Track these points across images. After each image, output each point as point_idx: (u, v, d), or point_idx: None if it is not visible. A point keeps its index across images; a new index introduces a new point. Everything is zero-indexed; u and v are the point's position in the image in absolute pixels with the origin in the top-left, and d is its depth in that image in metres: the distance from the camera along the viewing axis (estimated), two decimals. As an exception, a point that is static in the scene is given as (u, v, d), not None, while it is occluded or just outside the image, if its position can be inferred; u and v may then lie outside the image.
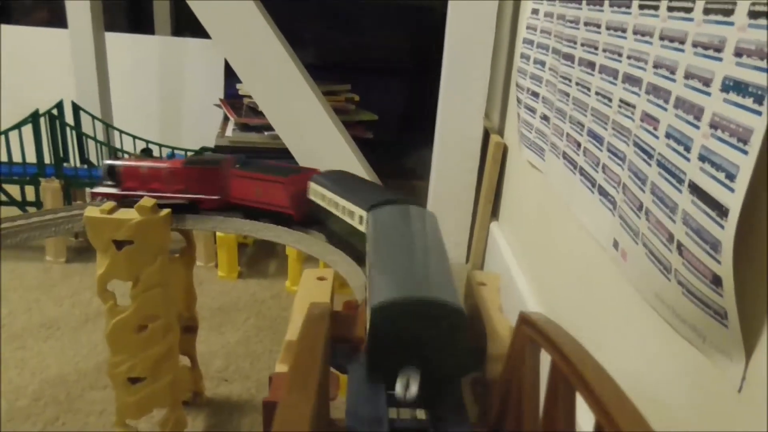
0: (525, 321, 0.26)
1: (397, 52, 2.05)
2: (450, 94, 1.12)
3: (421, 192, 1.26)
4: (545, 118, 0.82)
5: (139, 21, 1.98)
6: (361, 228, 0.46)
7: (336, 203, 0.52)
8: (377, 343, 0.30)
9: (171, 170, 0.64)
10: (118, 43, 1.57)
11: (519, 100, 0.96)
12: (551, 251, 0.81)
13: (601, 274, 0.60)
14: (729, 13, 0.37)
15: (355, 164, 1.21)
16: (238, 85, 1.49)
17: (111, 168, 0.65)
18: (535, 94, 0.88)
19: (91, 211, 0.55)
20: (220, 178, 0.64)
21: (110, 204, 0.57)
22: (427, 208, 1.24)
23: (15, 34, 1.64)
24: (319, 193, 0.57)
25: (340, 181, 0.57)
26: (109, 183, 0.64)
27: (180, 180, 0.64)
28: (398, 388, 0.29)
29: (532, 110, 0.89)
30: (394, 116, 1.93)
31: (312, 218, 0.60)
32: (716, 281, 0.35)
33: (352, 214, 0.49)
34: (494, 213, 1.16)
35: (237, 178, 0.63)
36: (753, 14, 0.34)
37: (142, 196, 0.59)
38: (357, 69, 1.81)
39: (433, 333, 0.31)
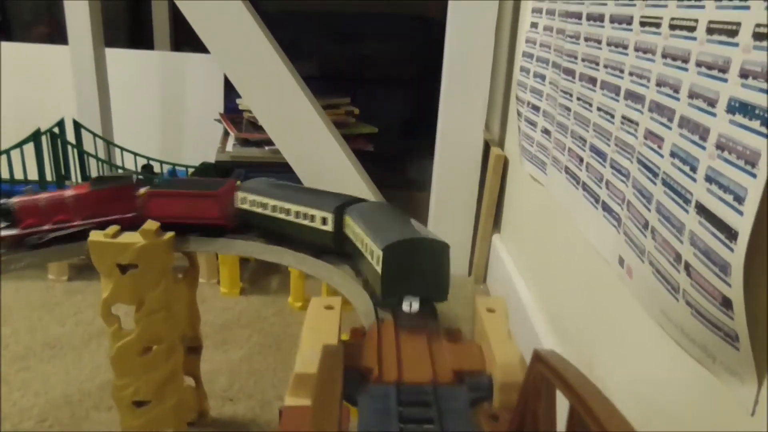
0: (539, 359, 0.26)
1: (398, 63, 2.05)
2: (450, 106, 1.12)
3: (422, 202, 1.26)
4: (546, 131, 0.82)
5: (139, 36, 1.98)
6: (326, 228, 0.55)
7: (297, 212, 0.57)
8: (388, 273, 0.42)
9: (77, 197, 0.61)
10: (118, 58, 1.58)
11: (519, 113, 0.96)
12: (555, 265, 0.80)
13: (607, 290, 0.60)
14: (733, 33, 0.37)
15: (354, 177, 1.21)
16: (237, 100, 1.50)
17: (4, 208, 0.60)
18: (536, 108, 0.88)
19: (95, 236, 0.55)
20: (132, 195, 0.62)
21: (114, 228, 0.56)
22: (428, 220, 1.23)
23: (15, 51, 1.64)
24: (250, 200, 0.62)
25: (277, 187, 0.63)
26: (4, 225, 0.60)
27: (89, 205, 0.61)
28: (404, 307, 0.42)
29: (533, 124, 0.89)
30: (395, 127, 1.94)
31: (241, 225, 0.63)
32: (726, 304, 0.35)
33: (314, 218, 0.56)
34: (496, 225, 1.16)
35: (159, 197, 0.61)
36: (758, 36, 0.34)
37: (46, 232, 0.59)
38: (358, 80, 1.82)
39: (426, 262, 0.43)
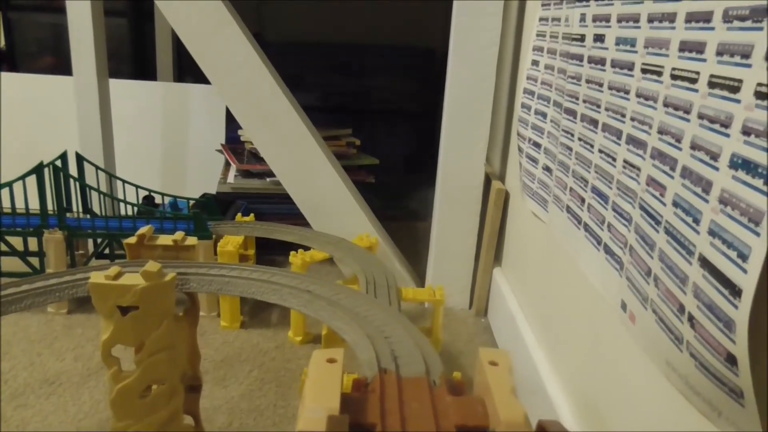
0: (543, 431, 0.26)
1: (401, 95, 2.07)
2: (451, 139, 1.12)
3: (423, 233, 1.26)
4: (547, 169, 0.83)
5: (142, 67, 2.00)
6: None
7: None
8: None
9: None
10: (121, 89, 1.59)
11: (520, 149, 0.97)
12: (557, 302, 0.80)
13: (610, 332, 0.60)
14: (735, 90, 0.37)
15: (355, 209, 1.21)
16: (239, 131, 1.51)
17: None
18: (537, 145, 0.88)
19: (96, 277, 0.55)
20: None
21: (116, 269, 0.56)
22: (429, 252, 1.22)
23: (19, 81, 1.66)
24: None
25: None
26: None
27: None
28: None
29: (534, 160, 0.89)
30: (398, 159, 1.95)
31: None
32: (731, 360, 0.35)
33: None
34: (497, 258, 1.16)
35: None
36: (760, 95, 0.34)
37: None
38: (360, 112, 1.83)
39: None
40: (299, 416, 0.33)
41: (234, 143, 1.56)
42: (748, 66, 0.36)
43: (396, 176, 1.93)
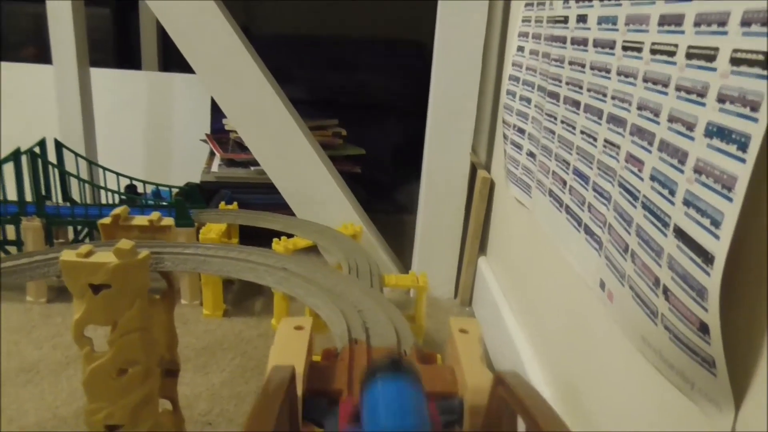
0: (500, 382, 0.25)
1: (389, 89, 2.05)
2: (437, 129, 1.12)
3: (410, 226, 1.25)
4: (531, 155, 0.82)
5: (126, 57, 1.98)
6: None
7: None
8: None
9: None
10: (105, 78, 1.57)
11: (505, 136, 0.96)
12: (539, 288, 0.80)
13: (589, 314, 0.60)
14: (711, 59, 0.37)
15: (341, 199, 1.21)
16: (224, 120, 1.49)
17: None
18: (521, 131, 0.88)
19: (68, 255, 0.54)
20: None
21: (87, 247, 0.55)
22: (414, 243, 1.22)
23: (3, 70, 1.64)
24: None
25: None
26: None
27: None
28: None
29: (519, 147, 0.89)
30: (386, 153, 1.93)
31: None
32: (703, 329, 0.35)
33: None
34: (482, 248, 1.16)
35: None
36: (735, 61, 0.34)
37: None
38: (348, 106, 1.81)
39: None
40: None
41: (219, 133, 1.54)
42: (725, 33, 0.36)
43: (384, 170, 1.92)
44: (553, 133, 0.71)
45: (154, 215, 0.66)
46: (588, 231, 0.59)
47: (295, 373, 0.28)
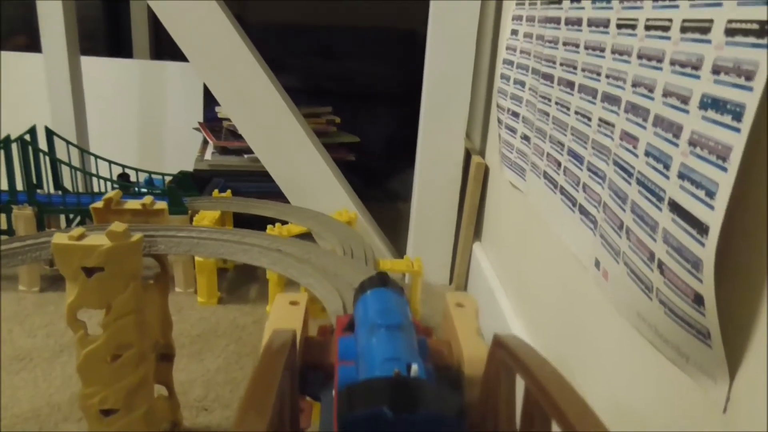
0: (499, 344, 0.25)
1: (383, 77, 2.04)
2: (431, 115, 1.11)
3: (405, 214, 1.25)
4: (526, 138, 0.82)
5: (118, 45, 1.97)
6: None
7: None
8: None
9: None
10: (97, 66, 1.56)
11: (500, 121, 0.96)
12: (533, 271, 0.80)
13: (583, 294, 0.60)
14: (706, 31, 0.36)
15: (335, 186, 1.20)
16: (217, 108, 1.49)
17: None
18: (516, 114, 0.87)
19: (59, 238, 0.53)
20: None
21: (79, 230, 0.55)
22: (409, 230, 1.22)
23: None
24: None
25: None
26: None
27: None
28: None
29: (513, 130, 0.88)
30: (380, 141, 1.93)
31: None
32: (698, 300, 0.35)
33: None
34: (477, 233, 1.16)
35: None
36: (730, 32, 0.34)
37: None
38: (342, 94, 1.81)
39: None
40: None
41: (212, 122, 1.54)
42: (719, 5, 0.36)
43: (378, 158, 1.92)
44: (548, 114, 0.71)
45: (147, 199, 0.66)
46: (583, 211, 0.58)
47: (295, 336, 0.28)
